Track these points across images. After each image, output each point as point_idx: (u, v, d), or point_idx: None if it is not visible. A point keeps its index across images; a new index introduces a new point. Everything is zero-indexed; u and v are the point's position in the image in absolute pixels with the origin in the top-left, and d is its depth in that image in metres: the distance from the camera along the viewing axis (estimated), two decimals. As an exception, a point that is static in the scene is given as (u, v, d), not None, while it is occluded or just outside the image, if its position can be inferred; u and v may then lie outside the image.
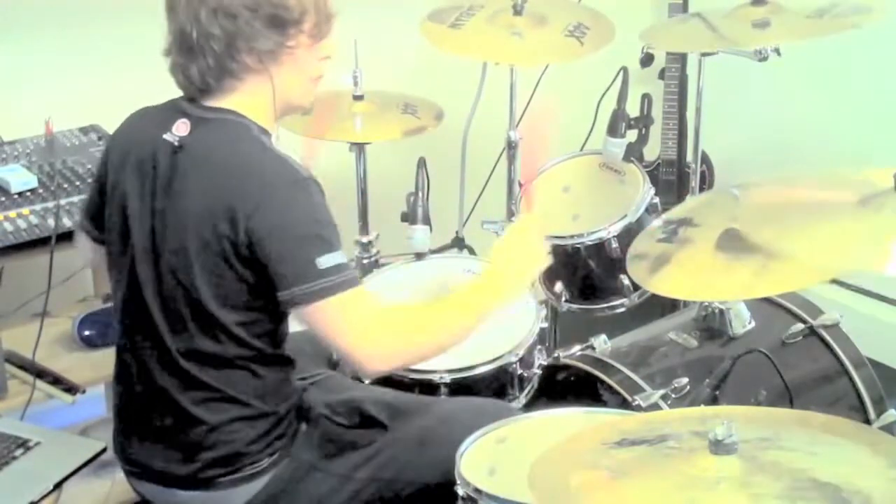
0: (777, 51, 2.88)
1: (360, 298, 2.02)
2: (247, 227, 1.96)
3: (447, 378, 2.45)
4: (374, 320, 2.04)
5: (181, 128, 2.05)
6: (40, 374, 2.69)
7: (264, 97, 2.07)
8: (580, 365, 2.47)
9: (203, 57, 2.01)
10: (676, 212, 2.37)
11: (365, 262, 3.09)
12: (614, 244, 2.82)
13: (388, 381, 2.42)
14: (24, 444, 2.32)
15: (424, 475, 2.18)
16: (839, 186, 1.77)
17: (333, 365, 2.53)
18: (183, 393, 2.09)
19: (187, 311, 2.05)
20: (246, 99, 2.06)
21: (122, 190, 2.10)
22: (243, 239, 1.97)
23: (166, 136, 2.05)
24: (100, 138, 2.86)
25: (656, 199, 2.93)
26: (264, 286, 2.01)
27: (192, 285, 2.02)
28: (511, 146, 3.15)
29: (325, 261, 1.96)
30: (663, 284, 2.19)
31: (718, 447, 1.52)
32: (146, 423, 2.15)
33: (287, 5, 2.02)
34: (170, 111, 2.09)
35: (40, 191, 2.66)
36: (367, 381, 2.42)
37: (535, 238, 2.24)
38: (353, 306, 2.00)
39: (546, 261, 2.28)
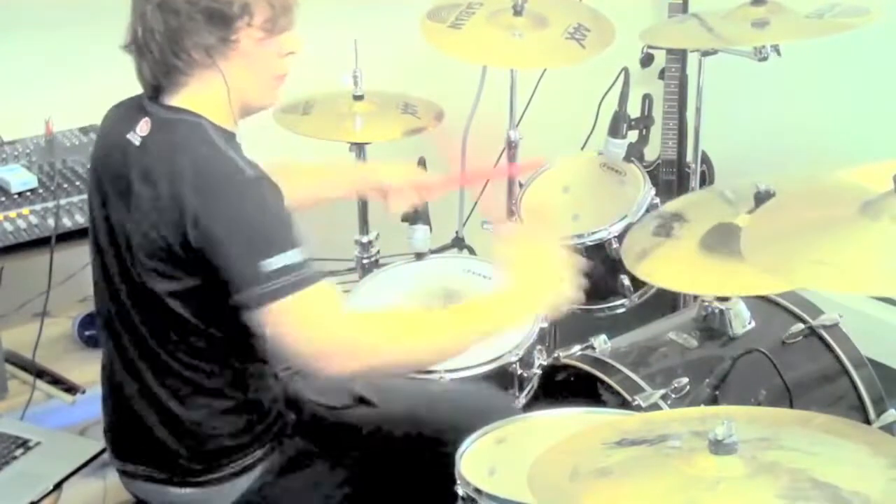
0: (777, 51, 2.87)
1: (316, 297, 1.93)
2: (194, 235, 1.92)
3: (447, 378, 2.44)
4: (330, 319, 1.96)
5: (143, 127, 2.02)
6: (40, 374, 2.69)
7: (217, 93, 2.00)
8: (580, 365, 2.47)
9: (150, 53, 1.98)
10: (669, 207, 2.40)
11: (365, 262, 3.09)
12: (615, 244, 2.82)
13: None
14: (24, 444, 2.32)
15: (415, 452, 2.17)
16: (837, 196, 1.73)
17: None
18: (163, 388, 2.07)
19: (158, 310, 2.02)
20: (198, 95, 2.01)
21: (103, 191, 2.08)
22: (193, 246, 1.93)
23: (129, 136, 2.02)
24: (100, 138, 2.86)
25: (657, 200, 2.92)
26: (219, 291, 1.96)
27: (154, 287, 2.00)
28: (511, 146, 3.14)
29: (271, 262, 1.89)
30: (649, 272, 2.24)
31: (718, 447, 1.52)
32: (132, 423, 2.13)
33: None
34: (135, 108, 2.06)
35: (40, 191, 2.66)
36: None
37: (551, 253, 2.06)
38: (306, 306, 1.92)
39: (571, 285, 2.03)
